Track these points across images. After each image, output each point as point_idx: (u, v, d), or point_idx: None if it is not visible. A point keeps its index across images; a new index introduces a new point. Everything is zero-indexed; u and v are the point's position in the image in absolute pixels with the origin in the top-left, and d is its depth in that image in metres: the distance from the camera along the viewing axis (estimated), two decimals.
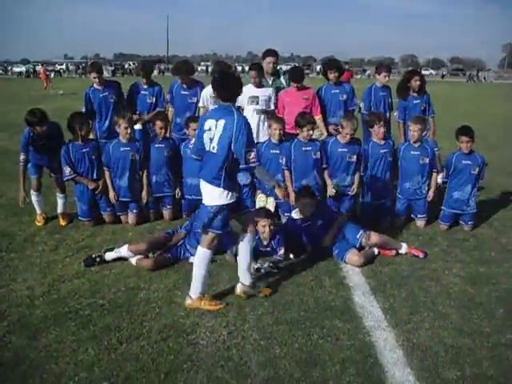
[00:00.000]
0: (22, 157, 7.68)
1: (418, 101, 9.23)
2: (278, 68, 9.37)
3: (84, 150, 7.73)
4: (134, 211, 7.98)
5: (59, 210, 8.03)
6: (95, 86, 8.83)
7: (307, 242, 6.86)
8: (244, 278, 5.55)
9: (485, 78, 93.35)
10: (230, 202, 5.17)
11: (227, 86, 5.21)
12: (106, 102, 8.80)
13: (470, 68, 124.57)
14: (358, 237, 6.72)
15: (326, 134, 8.59)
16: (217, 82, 5.26)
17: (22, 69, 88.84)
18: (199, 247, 5.44)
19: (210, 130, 5.14)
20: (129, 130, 7.74)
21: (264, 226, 6.50)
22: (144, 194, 8.01)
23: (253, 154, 5.04)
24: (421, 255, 6.71)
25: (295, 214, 7.05)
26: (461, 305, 5.42)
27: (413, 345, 4.64)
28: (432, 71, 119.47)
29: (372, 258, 6.65)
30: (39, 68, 63.75)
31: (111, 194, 7.85)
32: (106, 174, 7.87)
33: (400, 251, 6.80)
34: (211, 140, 5.12)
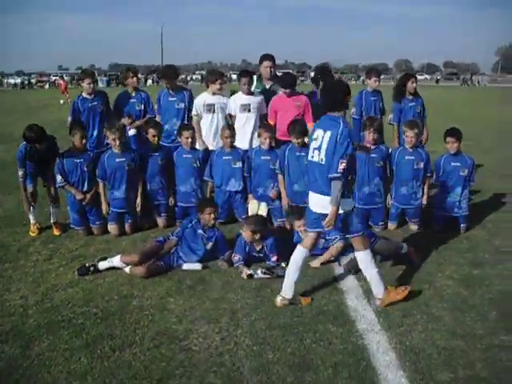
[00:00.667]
0: (20, 172, 7.66)
1: (414, 103, 9.27)
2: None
3: (77, 161, 7.74)
4: (129, 221, 7.97)
5: (52, 219, 8.03)
6: (84, 94, 8.79)
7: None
8: (287, 292, 5.49)
9: (478, 81, 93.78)
10: (347, 208, 5.27)
11: (334, 95, 5.30)
12: (94, 111, 8.76)
13: (464, 72, 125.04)
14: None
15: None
16: (325, 91, 5.40)
17: (18, 80, 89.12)
18: (299, 246, 5.53)
19: (316, 139, 5.25)
20: (117, 142, 7.70)
21: (252, 235, 6.53)
22: (138, 201, 8.01)
23: (344, 165, 5.04)
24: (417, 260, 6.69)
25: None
26: (454, 307, 5.42)
27: (406, 347, 4.64)
28: (426, 76, 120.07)
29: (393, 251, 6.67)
30: (58, 79, 64.66)
31: (104, 207, 7.84)
32: (100, 185, 7.85)
33: (401, 251, 6.75)
34: (318, 150, 5.20)
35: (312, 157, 5.32)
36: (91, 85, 8.77)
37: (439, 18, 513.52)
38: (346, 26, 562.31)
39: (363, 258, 5.43)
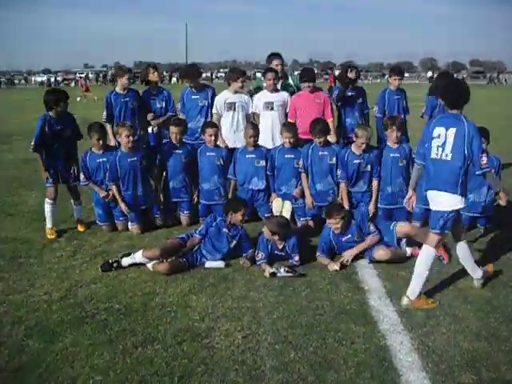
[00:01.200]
0: (32, 142, 7.59)
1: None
2: (296, 73, 9.40)
3: (100, 160, 7.84)
4: (158, 214, 8.15)
5: (76, 216, 8.12)
6: (117, 90, 8.80)
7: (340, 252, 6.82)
8: (414, 293, 5.44)
9: (506, 80, 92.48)
10: (463, 206, 5.45)
11: (457, 93, 5.43)
12: (126, 107, 8.75)
13: (490, 70, 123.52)
14: (391, 227, 6.74)
15: (335, 138, 8.54)
16: (447, 90, 5.53)
17: (44, 78, 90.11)
18: (424, 246, 5.55)
19: (438, 137, 5.34)
20: (131, 138, 7.74)
21: (272, 235, 6.55)
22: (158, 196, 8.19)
23: (485, 160, 5.18)
24: (446, 259, 6.62)
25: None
26: (478, 308, 5.35)
27: (428, 348, 4.60)
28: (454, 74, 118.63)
29: (400, 258, 6.66)
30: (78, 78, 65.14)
31: (122, 207, 7.86)
32: (113, 188, 7.86)
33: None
34: (442, 148, 5.32)
35: (436, 154, 5.39)
36: (127, 80, 8.78)
37: (464, 15, 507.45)
38: (371, 25, 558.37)
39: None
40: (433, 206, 5.50)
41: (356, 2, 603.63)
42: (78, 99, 37.97)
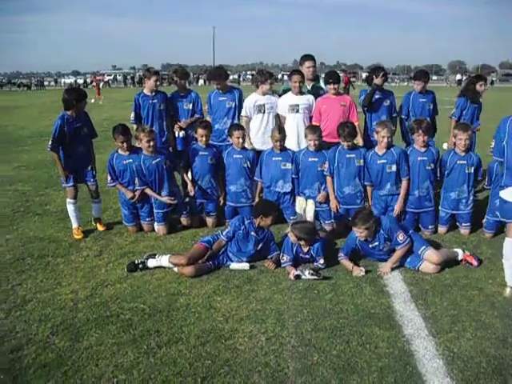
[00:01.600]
0: (50, 142, 7.62)
1: (476, 105, 9.34)
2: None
3: (126, 162, 7.89)
4: (184, 212, 8.22)
5: (95, 214, 8.21)
6: (145, 91, 8.85)
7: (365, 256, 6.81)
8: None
9: None
10: None
11: None
12: (154, 109, 8.79)
13: None
14: (419, 252, 6.54)
15: (362, 142, 8.51)
16: None
17: (72, 80, 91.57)
18: (507, 239, 5.77)
19: None
20: (151, 143, 7.77)
21: (297, 240, 6.54)
22: (189, 187, 8.17)
23: None
24: (475, 263, 6.61)
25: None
26: (505, 314, 5.28)
27: (453, 354, 4.55)
28: None
29: (451, 259, 6.64)
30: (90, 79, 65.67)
31: (165, 200, 7.91)
32: (148, 191, 7.93)
33: (457, 259, 6.71)
34: None
35: None
36: (157, 81, 8.80)
37: (492, 16, 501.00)
38: (399, 27, 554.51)
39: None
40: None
41: (382, 3, 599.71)
42: (93, 101, 38.58)
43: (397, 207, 7.68)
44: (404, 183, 7.66)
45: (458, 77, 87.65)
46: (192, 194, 8.14)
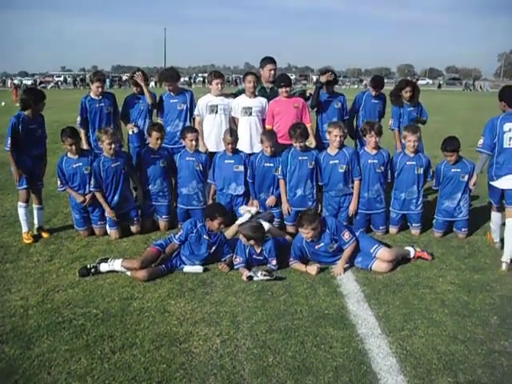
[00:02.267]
0: (8, 141, 7.42)
1: (412, 108, 9.16)
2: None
3: (76, 165, 7.75)
4: (136, 219, 8.10)
5: (37, 223, 8.00)
6: (92, 95, 8.71)
7: (312, 259, 6.84)
8: (508, 257, 6.62)
9: (481, 86, 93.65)
10: None
11: None
12: (101, 112, 8.68)
13: (466, 77, 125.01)
14: (371, 251, 6.65)
15: (314, 143, 8.51)
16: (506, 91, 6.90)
17: (17, 81, 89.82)
18: (507, 220, 6.70)
19: (509, 130, 6.65)
20: (113, 146, 7.67)
21: (247, 240, 6.56)
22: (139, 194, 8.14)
23: None
24: (428, 257, 6.85)
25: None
26: (455, 312, 5.41)
27: (406, 352, 4.64)
28: (429, 81, 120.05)
29: (403, 257, 6.85)
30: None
31: (108, 211, 7.79)
32: (98, 195, 7.78)
33: (408, 257, 6.88)
34: None
35: (509, 144, 6.66)
36: (100, 88, 8.66)
37: (441, 23, 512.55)
38: (348, 30, 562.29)
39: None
40: (510, 186, 6.69)
41: (332, 7, 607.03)
42: (3, 104, 38.11)
43: (351, 207, 7.79)
44: (356, 183, 7.76)
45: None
46: (140, 201, 8.11)
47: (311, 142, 8.42)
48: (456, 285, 6.10)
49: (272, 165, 7.92)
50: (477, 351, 4.66)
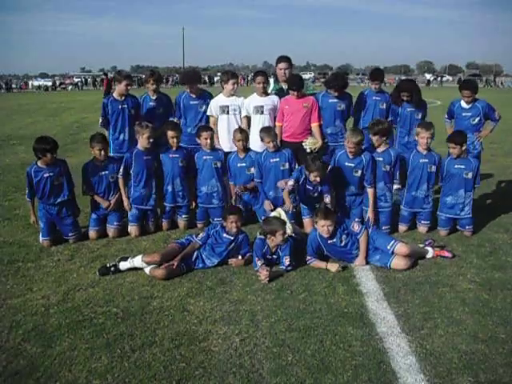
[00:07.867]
0: (27, 193, 7.55)
1: (413, 109, 8.90)
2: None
3: (102, 173, 7.85)
4: (152, 220, 8.13)
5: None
6: (115, 95, 8.65)
7: (330, 255, 6.82)
8: None
9: (502, 83, 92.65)
10: None
11: None
12: (123, 114, 8.58)
13: (486, 73, 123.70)
14: (389, 247, 6.63)
15: (321, 142, 8.41)
16: None
17: (41, 82, 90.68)
18: None
19: None
20: (151, 140, 7.78)
21: (281, 235, 6.53)
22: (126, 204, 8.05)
23: None
24: (449, 255, 6.79)
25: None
26: (475, 311, 5.36)
27: (426, 351, 4.61)
28: (449, 77, 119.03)
29: (420, 255, 6.82)
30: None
31: (126, 203, 7.90)
32: (121, 182, 7.89)
33: (427, 256, 6.83)
34: None
35: None
36: (128, 87, 8.60)
37: (461, 20, 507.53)
38: (367, 27, 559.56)
39: None
40: None
41: (352, 5, 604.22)
42: None
43: (370, 215, 7.74)
44: (370, 191, 7.72)
45: (428, 77, 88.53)
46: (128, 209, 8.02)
47: (317, 141, 8.36)
48: (476, 283, 6.05)
49: (278, 159, 7.94)
50: (498, 350, 4.61)
